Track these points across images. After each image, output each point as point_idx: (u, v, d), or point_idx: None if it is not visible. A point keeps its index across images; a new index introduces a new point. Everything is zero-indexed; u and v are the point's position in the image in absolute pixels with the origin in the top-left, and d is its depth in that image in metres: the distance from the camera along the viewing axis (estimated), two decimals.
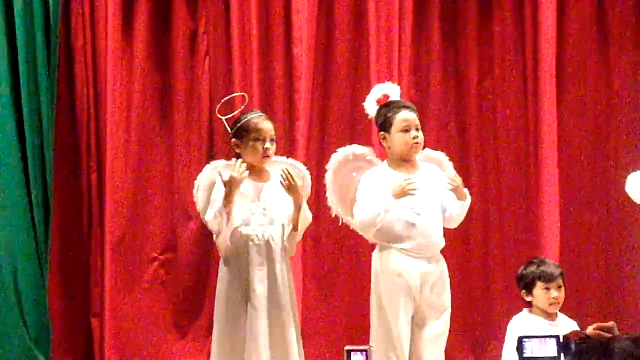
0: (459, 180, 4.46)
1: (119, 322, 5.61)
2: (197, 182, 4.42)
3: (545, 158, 5.73)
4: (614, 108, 5.87)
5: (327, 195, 4.59)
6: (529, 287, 4.69)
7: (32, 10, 5.40)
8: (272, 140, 4.36)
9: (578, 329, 4.42)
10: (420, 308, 4.43)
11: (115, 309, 5.60)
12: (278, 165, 4.43)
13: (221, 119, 4.45)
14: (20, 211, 5.35)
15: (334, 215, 4.61)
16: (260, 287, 4.29)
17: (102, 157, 5.63)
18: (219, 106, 4.57)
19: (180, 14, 5.75)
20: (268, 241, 4.32)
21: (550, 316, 4.65)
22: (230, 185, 4.20)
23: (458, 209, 4.49)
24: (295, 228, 4.39)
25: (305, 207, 4.40)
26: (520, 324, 4.66)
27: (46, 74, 5.42)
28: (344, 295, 5.74)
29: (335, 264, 5.76)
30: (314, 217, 5.61)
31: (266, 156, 4.35)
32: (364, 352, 3.26)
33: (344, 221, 4.59)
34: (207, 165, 4.46)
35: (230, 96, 4.89)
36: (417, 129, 4.45)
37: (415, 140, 4.43)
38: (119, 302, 5.61)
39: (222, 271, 4.38)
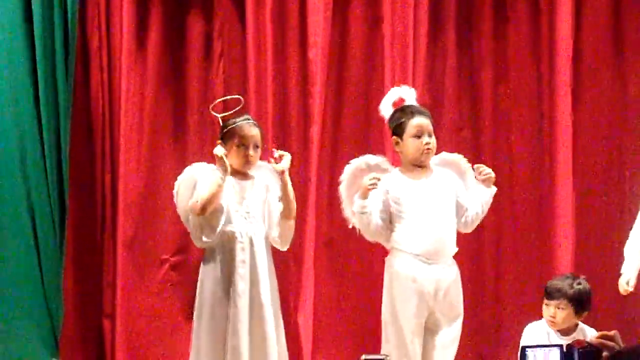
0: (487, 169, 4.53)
1: (130, 323, 5.62)
2: (177, 184, 4.49)
3: (560, 164, 5.71)
4: (629, 114, 5.85)
5: (343, 206, 4.61)
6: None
7: (52, 14, 5.43)
8: (256, 146, 4.46)
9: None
10: (433, 314, 4.44)
11: (127, 310, 5.61)
12: (261, 170, 4.53)
13: (216, 116, 4.52)
14: (41, 210, 5.43)
15: (350, 227, 4.62)
16: (242, 284, 4.36)
17: (116, 158, 5.65)
18: (212, 105, 4.62)
19: (195, 17, 5.75)
20: (251, 239, 4.38)
21: (567, 329, 4.60)
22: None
23: (481, 209, 4.50)
24: (286, 216, 4.48)
25: (290, 189, 4.48)
26: (533, 333, 4.63)
27: (64, 76, 5.46)
28: (356, 301, 5.73)
29: (348, 266, 5.76)
30: (326, 223, 5.66)
31: (248, 162, 4.43)
32: None
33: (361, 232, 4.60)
34: (188, 167, 4.52)
35: (225, 98, 4.95)
36: (430, 135, 4.47)
37: (427, 146, 4.45)
38: (130, 303, 5.63)
39: (205, 269, 4.46)
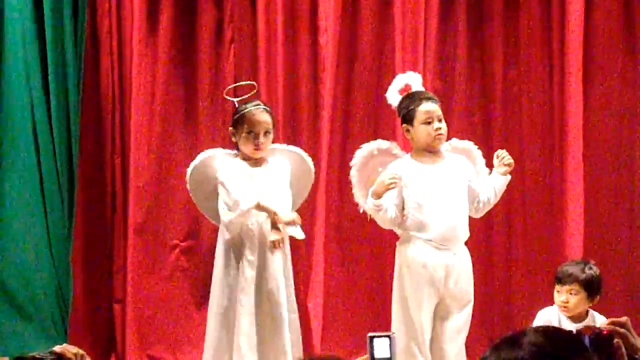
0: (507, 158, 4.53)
1: (140, 308, 5.64)
2: (189, 170, 4.52)
3: (570, 150, 5.69)
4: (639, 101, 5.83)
5: (353, 192, 4.60)
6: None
7: None
8: (266, 132, 4.46)
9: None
10: (443, 300, 4.44)
11: (137, 295, 5.63)
12: (279, 153, 4.53)
13: (231, 101, 4.53)
14: (52, 193, 5.47)
15: (361, 212, 4.62)
16: (249, 271, 4.37)
17: (126, 142, 5.65)
18: (226, 90, 4.63)
19: (206, 2, 5.75)
20: (261, 226, 4.37)
21: (579, 315, 4.58)
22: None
23: (494, 194, 4.50)
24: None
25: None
26: (545, 319, 4.61)
27: (73, 60, 5.48)
28: (366, 286, 5.74)
29: (357, 252, 5.77)
30: (337, 208, 5.65)
31: (258, 149, 4.44)
32: (387, 338, 3.21)
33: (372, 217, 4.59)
34: (202, 153, 4.54)
35: (239, 84, 4.96)
36: (440, 120, 4.46)
37: (438, 132, 4.44)
38: (141, 288, 5.65)
39: (218, 257, 4.49)
